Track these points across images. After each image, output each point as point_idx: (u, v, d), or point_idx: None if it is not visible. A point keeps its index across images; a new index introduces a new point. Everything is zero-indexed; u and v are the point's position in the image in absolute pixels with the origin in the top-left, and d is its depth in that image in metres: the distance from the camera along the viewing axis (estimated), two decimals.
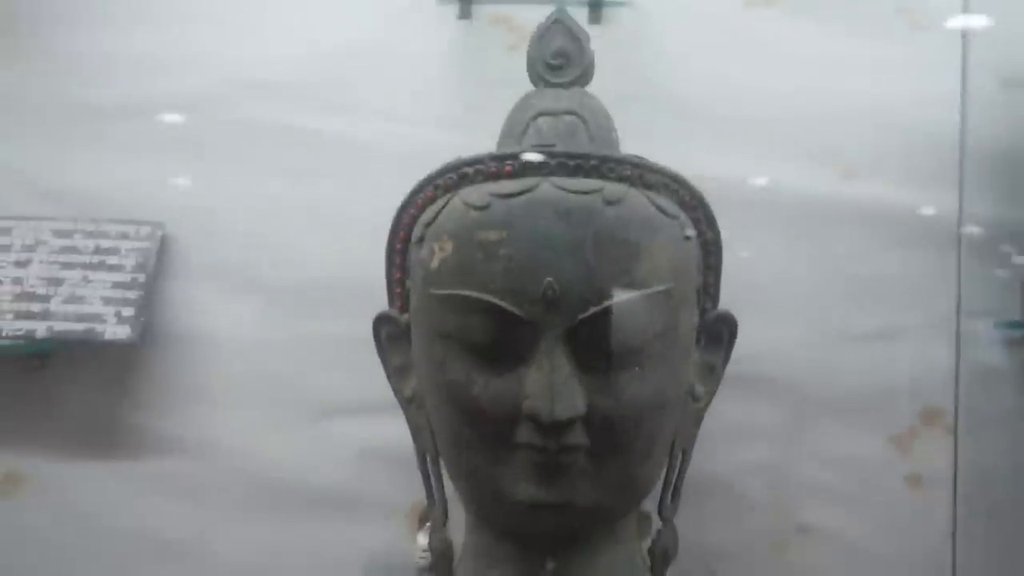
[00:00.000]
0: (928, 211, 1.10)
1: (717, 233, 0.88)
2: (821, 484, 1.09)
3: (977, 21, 1.10)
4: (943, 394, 1.10)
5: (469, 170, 0.83)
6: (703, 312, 0.89)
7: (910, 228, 1.10)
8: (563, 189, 0.79)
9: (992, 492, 1.09)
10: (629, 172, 0.81)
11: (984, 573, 1.09)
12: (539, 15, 0.94)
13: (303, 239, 1.13)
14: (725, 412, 1.00)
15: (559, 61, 0.92)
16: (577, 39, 0.93)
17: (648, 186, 0.82)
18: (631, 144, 0.91)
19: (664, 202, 0.83)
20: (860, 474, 1.09)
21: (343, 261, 1.10)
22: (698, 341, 0.89)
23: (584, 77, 0.92)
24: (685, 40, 1.13)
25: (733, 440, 1.08)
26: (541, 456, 0.79)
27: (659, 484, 0.90)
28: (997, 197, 1.10)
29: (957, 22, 1.12)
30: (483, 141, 0.92)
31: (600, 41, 0.97)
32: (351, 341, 0.95)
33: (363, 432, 1.10)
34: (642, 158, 0.83)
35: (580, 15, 1.05)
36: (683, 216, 0.85)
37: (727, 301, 0.92)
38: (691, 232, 0.86)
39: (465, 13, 1.15)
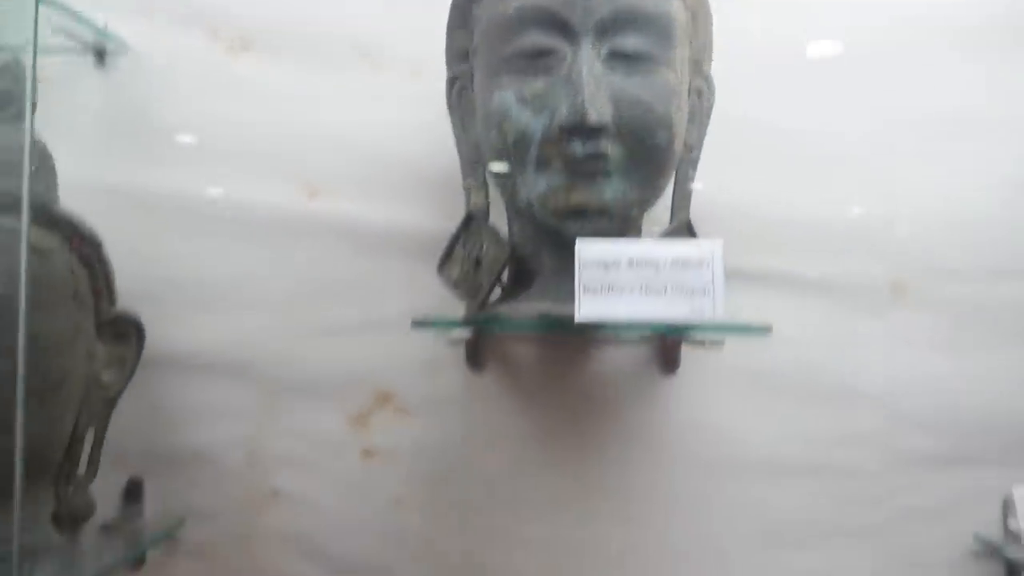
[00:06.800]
0: (384, 224, 1.21)
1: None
2: (290, 455, 1.20)
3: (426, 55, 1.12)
4: (395, 380, 1.21)
5: None
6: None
7: (370, 239, 1.21)
8: None
9: (435, 463, 1.21)
10: None
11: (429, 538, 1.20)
12: None
13: None
14: (206, 392, 1.17)
15: None
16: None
17: None
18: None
19: None
20: (323, 447, 1.20)
21: None
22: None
23: None
24: (177, 80, 1.23)
25: (215, 418, 1.19)
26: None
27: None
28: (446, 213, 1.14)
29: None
30: None
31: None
32: None
33: None
34: None
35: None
36: None
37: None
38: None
39: None
